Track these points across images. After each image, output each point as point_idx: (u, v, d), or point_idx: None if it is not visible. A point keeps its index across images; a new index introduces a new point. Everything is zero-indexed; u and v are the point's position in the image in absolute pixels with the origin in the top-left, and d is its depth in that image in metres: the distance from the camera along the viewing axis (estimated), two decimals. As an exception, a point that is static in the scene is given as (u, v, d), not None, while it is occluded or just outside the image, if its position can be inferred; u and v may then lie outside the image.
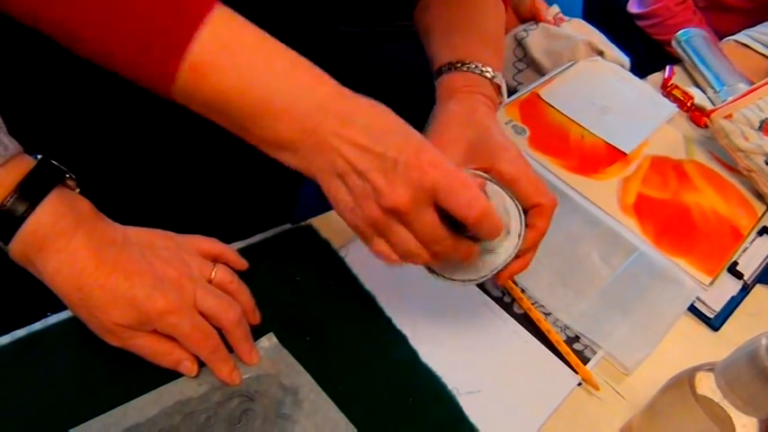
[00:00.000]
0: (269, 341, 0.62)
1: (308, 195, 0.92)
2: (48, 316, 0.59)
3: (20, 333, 0.57)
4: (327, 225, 0.74)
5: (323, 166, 0.51)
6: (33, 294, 0.62)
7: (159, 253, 0.56)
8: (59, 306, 0.58)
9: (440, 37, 0.75)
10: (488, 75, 0.70)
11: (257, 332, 0.61)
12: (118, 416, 0.54)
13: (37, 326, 0.58)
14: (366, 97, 0.51)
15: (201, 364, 0.58)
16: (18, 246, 0.50)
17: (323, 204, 0.60)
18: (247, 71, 0.48)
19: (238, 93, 0.48)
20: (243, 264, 0.64)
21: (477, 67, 0.70)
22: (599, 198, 0.85)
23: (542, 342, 0.70)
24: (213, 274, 0.59)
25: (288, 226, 0.74)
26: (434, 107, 0.70)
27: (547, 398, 0.66)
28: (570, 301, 0.74)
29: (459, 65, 0.70)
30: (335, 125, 0.49)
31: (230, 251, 0.63)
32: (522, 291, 0.74)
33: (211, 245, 0.61)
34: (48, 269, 0.51)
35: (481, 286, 0.73)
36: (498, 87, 0.71)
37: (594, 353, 0.71)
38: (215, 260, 0.61)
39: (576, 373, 0.68)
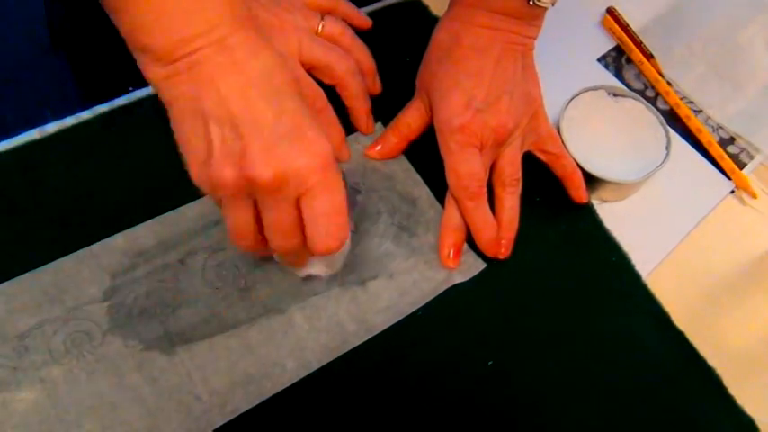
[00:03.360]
0: (376, 132, 0.54)
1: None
2: (131, 91, 0.52)
3: (102, 108, 0.51)
4: (437, 0, 0.63)
5: (188, 96, 0.37)
6: (116, 69, 0.55)
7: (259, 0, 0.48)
8: (143, 81, 0.52)
9: None
10: None
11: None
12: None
13: (120, 101, 0.52)
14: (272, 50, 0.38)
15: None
16: None
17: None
18: None
19: None
20: (364, 20, 0.54)
21: None
22: (768, -26, 0.70)
23: (691, 143, 0.60)
24: (320, 27, 0.51)
25: (393, 0, 0.63)
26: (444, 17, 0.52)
27: (694, 206, 0.57)
28: (726, 96, 0.62)
29: None
30: (224, 60, 0.36)
31: (346, 3, 0.53)
32: (669, 83, 0.62)
33: None
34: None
35: (620, 75, 0.63)
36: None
37: (752, 157, 0.60)
38: (325, 15, 0.52)
39: (730, 179, 0.58)
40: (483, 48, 0.48)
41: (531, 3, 0.48)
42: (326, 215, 0.38)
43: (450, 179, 0.48)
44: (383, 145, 0.52)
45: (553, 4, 0.49)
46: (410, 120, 0.52)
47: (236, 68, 0.36)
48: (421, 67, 0.52)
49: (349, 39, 0.52)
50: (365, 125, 0.53)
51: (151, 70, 0.37)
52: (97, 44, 0.61)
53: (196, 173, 0.38)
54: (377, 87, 0.54)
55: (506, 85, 0.49)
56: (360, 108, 0.52)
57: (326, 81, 0.50)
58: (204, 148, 0.37)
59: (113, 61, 0.51)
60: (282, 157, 0.36)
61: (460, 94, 0.48)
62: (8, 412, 0.40)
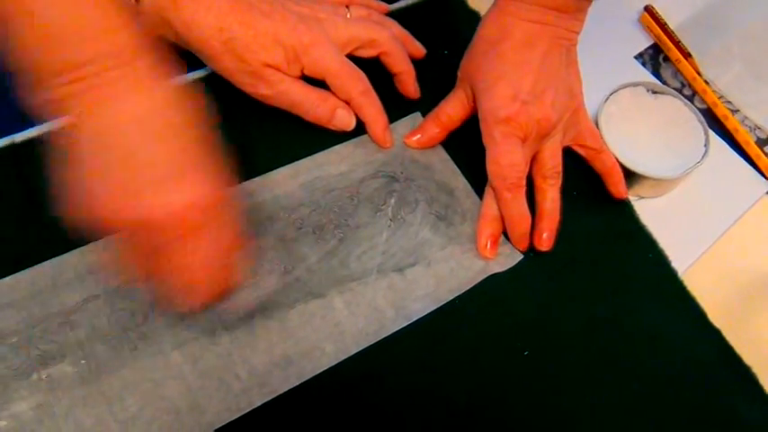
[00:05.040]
0: (414, 121, 0.55)
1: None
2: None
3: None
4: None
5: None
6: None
7: None
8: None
9: None
10: None
11: (400, 112, 0.54)
12: (255, 186, 0.49)
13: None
14: None
15: (343, 139, 0.52)
16: (149, 1, 0.46)
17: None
18: None
19: None
20: (383, 6, 0.56)
21: None
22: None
23: (728, 142, 0.60)
24: (348, 15, 0.53)
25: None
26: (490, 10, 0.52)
27: (731, 204, 0.57)
28: (763, 96, 0.62)
29: None
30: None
31: None
32: (706, 82, 0.62)
33: None
34: (184, 18, 0.46)
35: (657, 73, 0.62)
36: None
37: (789, 158, 0.60)
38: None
39: (767, 178, 0.58)
40: (531, 41, 0.49)
41: None
42: (198, 261, 0.39)
43: (491, 169, 0.49)
44: (423, 134, 0.53)
45: None
46: (451, 110, 0.52)
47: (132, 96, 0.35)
48: (465, 58, 0.52)
49: (377, 17, 0.54)
50: (413, 89, 0.54)
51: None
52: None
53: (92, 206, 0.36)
54: (420, 50, 0.56)
55: (552, 79, 0.49)
56: (408, 71, 0.53)
57: (371, 54, 0.52)
58: (94, 185, 0.35)
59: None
60: (158, 197, 0.36)
61: (507, 85, 0.48)
62: (53, 385, 0.41)
